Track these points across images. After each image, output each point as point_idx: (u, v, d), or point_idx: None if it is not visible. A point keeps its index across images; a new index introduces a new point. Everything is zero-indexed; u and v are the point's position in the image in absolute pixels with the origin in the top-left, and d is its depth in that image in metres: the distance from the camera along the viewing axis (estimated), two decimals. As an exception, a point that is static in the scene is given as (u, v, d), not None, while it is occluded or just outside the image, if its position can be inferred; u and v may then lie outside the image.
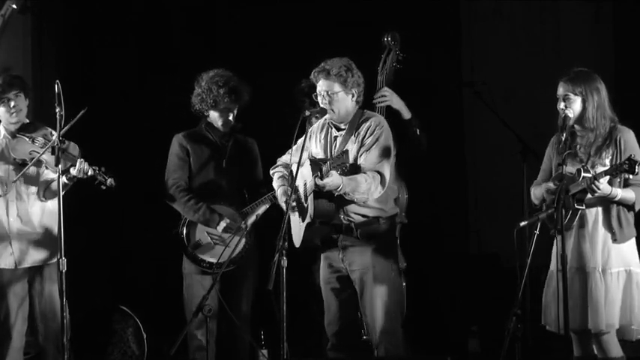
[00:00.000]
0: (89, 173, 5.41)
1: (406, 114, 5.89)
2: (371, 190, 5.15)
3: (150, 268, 7.31)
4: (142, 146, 7.29)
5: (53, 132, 5.64)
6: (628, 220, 5.03)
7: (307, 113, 5.28)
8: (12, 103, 5.60)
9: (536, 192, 5.23)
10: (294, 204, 5.26)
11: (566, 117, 4.98)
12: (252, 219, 5.78)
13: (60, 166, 5.24)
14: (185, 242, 5.81)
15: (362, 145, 5.23)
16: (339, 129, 5.36)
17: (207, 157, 5.91)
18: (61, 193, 5.21)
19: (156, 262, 7.13)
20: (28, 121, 5.72)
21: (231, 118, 5.88)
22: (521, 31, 7.63)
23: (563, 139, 4.93)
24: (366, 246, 5.25)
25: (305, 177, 5.24)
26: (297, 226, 5.33)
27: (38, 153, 5.50)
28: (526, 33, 7.62)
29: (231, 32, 7.54)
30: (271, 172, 5.54)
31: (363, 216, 5.25)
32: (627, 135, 5.04)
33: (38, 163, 5.57)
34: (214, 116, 5.90)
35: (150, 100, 7.38)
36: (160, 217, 6.11)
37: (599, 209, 5.04)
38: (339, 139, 5.33)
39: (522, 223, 5.05)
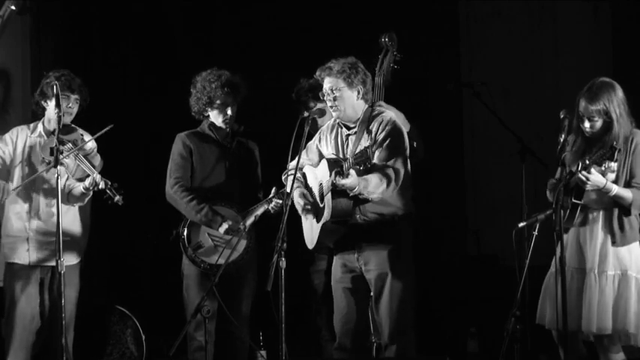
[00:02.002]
0: (100, 186, 5.48)
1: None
2: (384, 188, 5.10)
3: (150, 269, 7.31)
4: (142, 146, 7.30)
5: (85, 137, 5.68)
6: (631, 223, 5.02)
7: (306, 114, 5.29)
8: (69, 103, 5.68)
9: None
10: (309, 207, 5.27)
11: (564, 118, 4.97)
12: (250, 220, 5.76)
13: (61, 168, 5.25)
14: (186, 243, 5.79)
15: (375, 142, 5.19)
16: (349, 128, 5.33)
17: (210, 157, 5.87)
18: (60, 195, 5.22)
19: (156, 262, 7.13)
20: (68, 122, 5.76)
21: (229, 112, 5.82)
22: (519, 32, 7.63)
23: (561, 140, 4.92)
24: (383, 246, 5.21)
25: (320, 177, 5.23)
26: (310, 228, 5.32)
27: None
28: (524, 33, 7.61)
29: (230, 32, 7.54)
30: (283, 177, 5.50)
31: (379, 214, 5.21)
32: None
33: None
34: (213, 114, 5.86)
35: (150, 101, 7.39)
36: (161, 218, 6.11)
37: (602, 211, 5.03)
38: (351, 139, 5.29)
39: (521, 224, 5.05)
